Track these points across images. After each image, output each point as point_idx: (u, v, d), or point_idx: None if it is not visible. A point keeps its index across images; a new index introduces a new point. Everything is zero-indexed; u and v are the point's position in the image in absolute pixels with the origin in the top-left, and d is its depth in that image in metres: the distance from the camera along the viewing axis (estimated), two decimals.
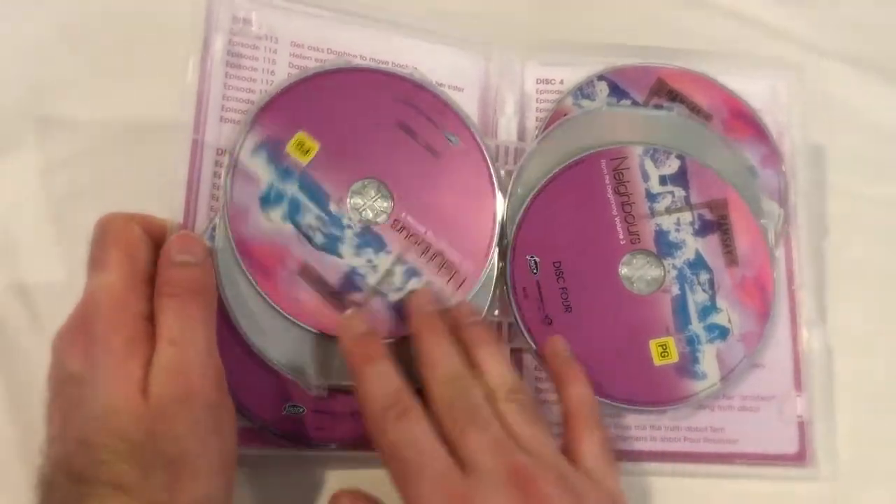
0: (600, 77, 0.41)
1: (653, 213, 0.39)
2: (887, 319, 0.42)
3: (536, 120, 0.41)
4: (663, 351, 0.38)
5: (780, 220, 0.40)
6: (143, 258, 0.32)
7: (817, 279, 0.41)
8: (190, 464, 0.28)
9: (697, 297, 0.38)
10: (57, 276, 0.39)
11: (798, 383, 0.39)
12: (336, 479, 0.36)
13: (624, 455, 0.38)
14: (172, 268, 0.31)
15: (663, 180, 0.39)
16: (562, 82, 0.42)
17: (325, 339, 0.35)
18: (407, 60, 0.39)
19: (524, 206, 0.38)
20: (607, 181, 0.39)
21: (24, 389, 0.36)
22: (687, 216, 0.39)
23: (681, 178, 0.39)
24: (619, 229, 0.39)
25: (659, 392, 0.38)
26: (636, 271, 0.39)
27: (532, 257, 0.38)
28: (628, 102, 0.41)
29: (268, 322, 0.35)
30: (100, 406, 0.28)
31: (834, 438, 0.39)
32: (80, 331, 0.30)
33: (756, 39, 0.47)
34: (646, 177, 0.39)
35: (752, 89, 0.42)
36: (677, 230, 0.39)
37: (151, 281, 0.32)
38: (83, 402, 0.28)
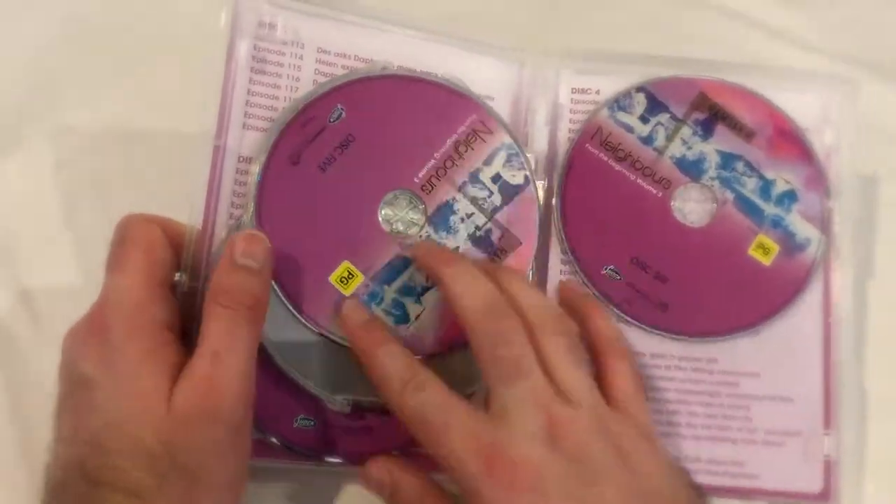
0: (639, 89, 0.40)
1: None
2: None
3: (570, 132, 0.40)
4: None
5: (820, 247, 0.38)
6: (163, 261, 0.32)
7: (857, 310, 0.39)
8: (205, 477, 0.28)
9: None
10: (59, 278, 0.39)
11: (828, 421, 0.37)
12: (343, 494, 0.36)
13: None
14: (233, 273, 0.30)
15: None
16: (598, 92, 0.40)
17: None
18: (436, 68, 0.38)
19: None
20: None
21: (25, 390, 0.37)
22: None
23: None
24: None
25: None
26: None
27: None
28: (667, 115, 0.39)
29: (294, 334, 0.34)
30: (116, 413, 0.28)
31: (862, 480, 0.37)
32: (95, 332, 0.29)
33: (757, 40, 0.46)
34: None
35: (801, 106, 0.40)
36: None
37: (170, 285, 0.32)
38: (97, 406, 0.28)
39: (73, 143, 0.41)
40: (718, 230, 0.38)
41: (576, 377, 0.30)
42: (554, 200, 0.38)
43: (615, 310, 0.38)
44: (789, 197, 0.39)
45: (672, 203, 0.39)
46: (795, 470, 0.37)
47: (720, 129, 0.39)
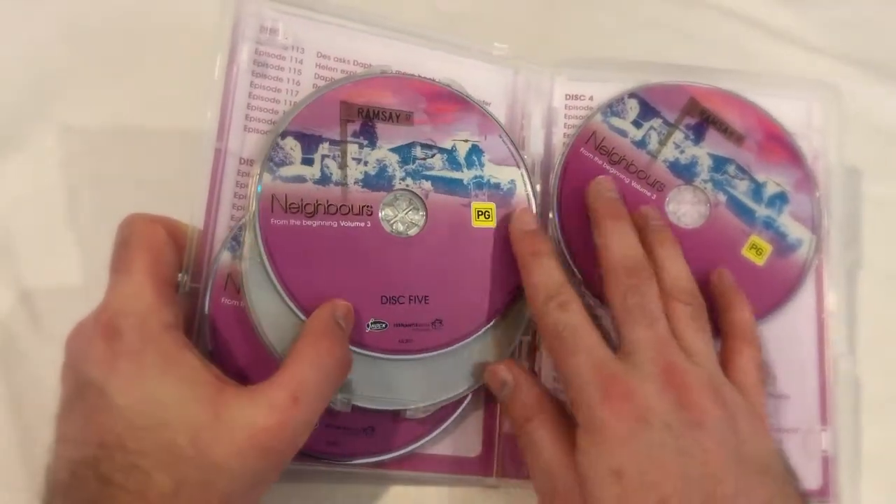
0: (631, 94, 0.41)
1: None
2: None
3: (564, 136, 0.41)
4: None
5: (812, 247, 0.39)
6: (168, 262, 0.32)
7: (848, 307, 0.40)
8: (228, 496, 0.28)
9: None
10: (59, 278, 0.39)
11: (824, 416, 0.38)
12: (346, 494, 0.36)
13: None
14: (336, 326, 0.32)
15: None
16: (591, 98, 0.41)
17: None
18: (434, 73, 0.39)
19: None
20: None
21: (25, 390, 0.37)
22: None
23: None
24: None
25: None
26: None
27: None
28: (660, 120, 0.40)
29: (296, 334, 0.33)
30: (142, 417, 0.27)
31: (859, 476, 0.38)
32: (104, 334, 0.29)
33: (757, 40, 0.47)
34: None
35: (787, 111, 0.41)
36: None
37: (175, 285, 0.32)
38: (114, 408, 0.28)
39: (73, 143, 0.41)
40: (712, 231, 0.39)
41: (698, 341, 0.33)
42: (551, 211, 0.39)
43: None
44: (780, 199, 0.40)
45: (666, 205, 0.39)
46: (795, 466, 0.37)
47: (711, 134, 0.40)
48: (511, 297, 0.37)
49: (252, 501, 0.30)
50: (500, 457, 0.37)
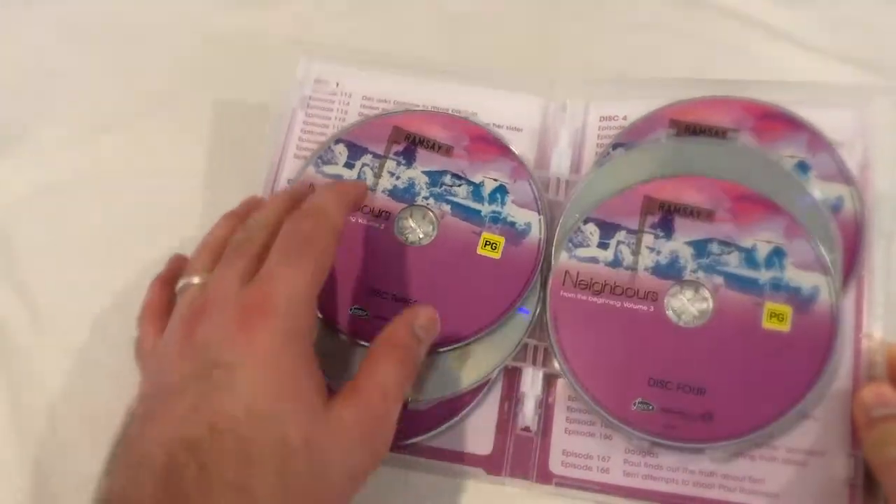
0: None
1: (633, 268, 0.38)
2: None
3: (596, 155, 0.41)
4: (779, 318, 0.36)
5: (855, 199, 0.37)
6: (328, 266, 0.32)
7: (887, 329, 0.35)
8: (339, 489, 0.29)
9: (734, 262, 0.37)
10: (59, 277, 0.40)
11: (855, 442, 0.34)
12: None
13: (651, 496, 0.36)
14: (411, 335, 0.32)
15: (603, 245, 0.38)
16: (625, 118, 0.41)
17: (351, 346, 0.37)
18: (469, 106, 0.42)
19: (577, 382, 0.37)
20: (584, 297, 0.38)
21: (25, 391, 0.37)
22: (648, 238, 0.38)
23: (609, 228, 0.38)
24: (639, 306, 0.37)
25: (816, 346, 0.35)
26: (679, 305, 0.37)
27: (636, 402, 0.36)
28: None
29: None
30: (263, 406, 0.28)
31: None
32: (251, 315, 0.29)
33: (757, 40, 0.46)
34: (593, 260, 0.38)
35: (834, 122, 0.38)
36: (658, 253, 0.38)
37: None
38: (233, 390, 0.28)
39: (73, 143, 0.42)
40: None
41: None
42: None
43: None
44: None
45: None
46: (819, 492, 0.34)
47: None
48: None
49: (354, 491, 0.30)
50: (511, 457, 0.37)
